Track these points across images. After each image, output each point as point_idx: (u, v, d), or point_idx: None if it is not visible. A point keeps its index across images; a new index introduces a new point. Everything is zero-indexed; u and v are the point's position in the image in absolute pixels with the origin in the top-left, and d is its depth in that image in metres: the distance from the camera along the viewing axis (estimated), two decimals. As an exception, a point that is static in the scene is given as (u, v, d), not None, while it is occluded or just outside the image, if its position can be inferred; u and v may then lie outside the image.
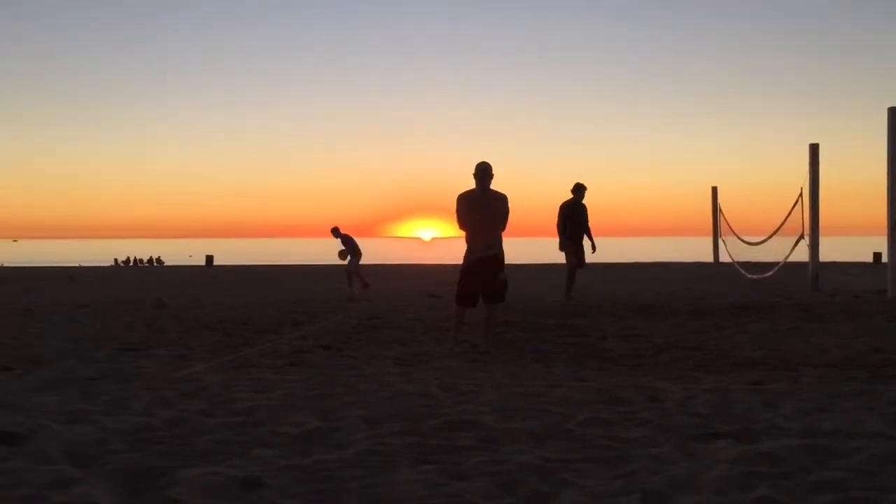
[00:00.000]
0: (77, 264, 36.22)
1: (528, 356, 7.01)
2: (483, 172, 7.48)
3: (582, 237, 12.31)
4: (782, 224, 16.43)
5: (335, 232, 16.77)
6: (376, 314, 10.54)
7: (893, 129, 12.17)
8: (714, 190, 22.39)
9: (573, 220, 12.16)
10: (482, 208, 7.46)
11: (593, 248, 12.47)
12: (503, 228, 7.57)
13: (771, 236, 17.23)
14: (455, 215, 7.67)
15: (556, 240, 12.52)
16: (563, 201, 12.36)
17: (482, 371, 6.05)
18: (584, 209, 12.31)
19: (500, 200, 7.53)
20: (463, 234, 7.72)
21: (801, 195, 15.30)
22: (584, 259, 12.39)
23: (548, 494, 2.92)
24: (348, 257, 16.73)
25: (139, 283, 19.67)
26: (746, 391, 4.97)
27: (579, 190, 12.27)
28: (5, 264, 35.56)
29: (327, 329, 8.97)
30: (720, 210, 21.65)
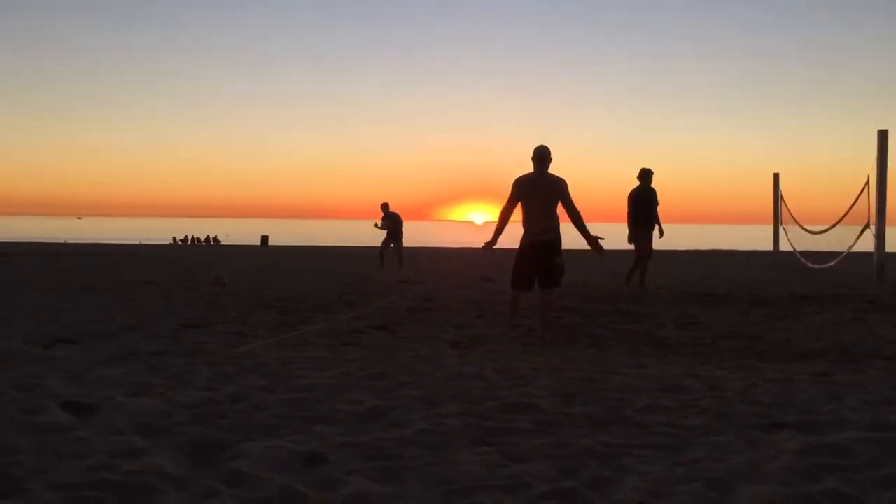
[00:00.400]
0: (137, 242, 37.16)
1: (583, 342, 6.96)
2: (541, 156, 7.38)
3: (653, 224, 11.92)
4: (847, 213, 15.95)
5: (384, 207, 17.51)
6: (429, 297, 10.57)
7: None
8: (776, 177, 21.83)
9: (643, 206, 11.79)
10: (539, 192, 7.37)
11: (661, 233, 12.11)
12: (573, 210, 7.40)
13: (834, 225, 16.75)
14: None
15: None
16: (630, 189, 11.97)
17: (538, 355, 6.03)
18: (653, 193, 11.93)
19: (558, 184, 7.41)
20: (497, 217, 7.61)
21: (867, 183, 14.83)
22: (651, 248, 11.99)
23: (609, 479, 2.90)
24: (385, 234, 17.36)
25: (197, 261, 20.08)
26: (809, 382, 4.85)
27: (646, 175, 11.91)
28: (69, 240, 36.67)
29: (381, 310, 9.03)
30: (782, 198, 21.13)
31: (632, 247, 12.07)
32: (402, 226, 17.61)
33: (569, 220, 7.57)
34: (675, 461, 3.12)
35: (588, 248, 7.73)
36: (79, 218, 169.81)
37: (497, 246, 7.74)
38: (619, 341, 7.02)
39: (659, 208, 12.07)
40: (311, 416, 3.79)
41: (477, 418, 3.79)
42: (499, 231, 7.65)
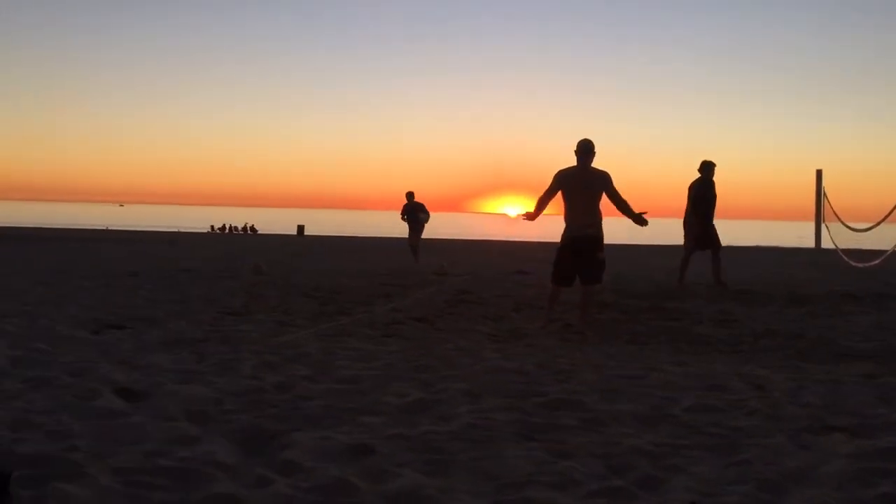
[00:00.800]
0: (176, 229, 37.67)
1: (622, 338, 6.92)
2: (584, 149, 7.28)
3: (712, 217, 11.51)
4: (892, 210, 15.64)
5: (407, 196, 16.90)
6: (466, 289, 10.58)
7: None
8: (818, 173, 21.46)
9: (705, 199, 11.38)
10: (581, 186, 7.29)
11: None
12: (620, 200, 7.31)
13: (879, 223, 16.43)
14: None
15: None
16: (690, 182, 11.58)
17: (577, 351, 6.01)
18: (713, 187, 11.50)
19: (601, 179, 7.31)
20: (533, 207, 7.52)
21: (914, 181, 14.51)
22: (717, 240, 11.54)
23: (659, 479, 2.89)
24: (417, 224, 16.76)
25: (236, 249, 20.31)
26: (859, 383, 4.78)
27: (707, 168, 11.48)
28: (111, 227, 37.29)
29: (419, 302, 9.06)
30: (824, 194, 20.77)
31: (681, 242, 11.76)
32: (422, 215, 16.71)
33: (616, 210, 7.47)
34: (725, 462, 3.09)
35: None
36: (121, 205, 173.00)
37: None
38: (658, 338, 6.96)
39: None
40: (358, 408, 3.82)
41: (521, 413, 3.79)
42: (537, 211, 7.51)
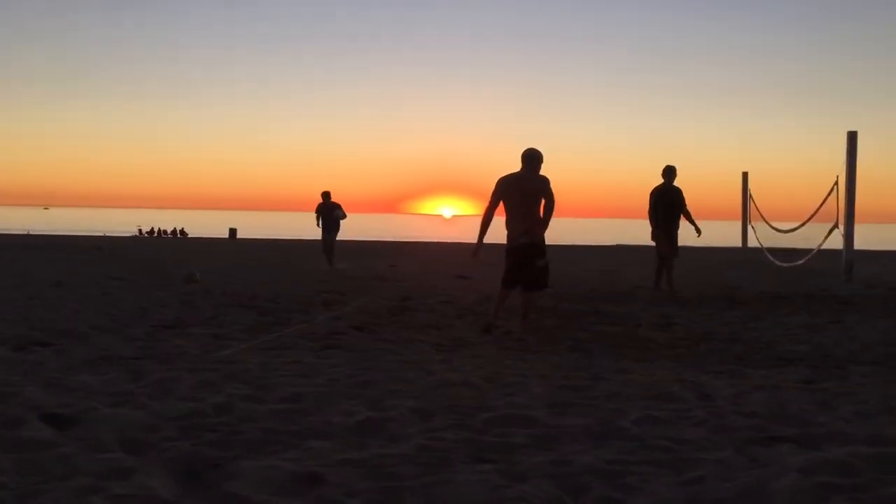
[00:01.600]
0: (103, 233, 36.49)
1: (564, 344, 6.92)
2: (531, 157, 7.29)
3: (675, 223, 11.38)
4: (816, 212, 16.16)
5: (324, 195, 16.57)
6: (406, 295, 10.48)
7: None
8: (745, 175, 22.06)
9: (664, 204, 11.23)
10: (525, 193, 7.27)
11: (697, 231, 11.53)
12: (551, 209, 7.36)
13: (803, 224, 16.96)
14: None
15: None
16: (653, 187, 11.41)
17: (522, 361, 5.97)
18: (675, 192, 11.35)
19: (542, 184, 7.33)
20: (481, 215, 7.50)
21: (836, 183, 15.02)
22: (676, 247, 11.41)
23: (616, 501, 2.85)
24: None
25: (165, 254, 19.74)
26: (798, 390, 4.86)
27: (669, 172, 11.35)
28: (33, 232, 35.90)
29: (360, 310, 8.92)
30: (750, 196, 21.36)
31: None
32: (338, 211, 16.37)
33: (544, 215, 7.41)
34: (679, 480, 3.07)
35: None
36: (46, 208, 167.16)
37: (469, 241, 7.72)
38: (599, 344, 7.00)
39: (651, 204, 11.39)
40: (303, 430, 3.68)
41: (472, 432, 3.71)
42: (483, 234, 7.52)
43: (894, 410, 4.24)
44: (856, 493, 2.89)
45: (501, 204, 7.45)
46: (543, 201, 7.38)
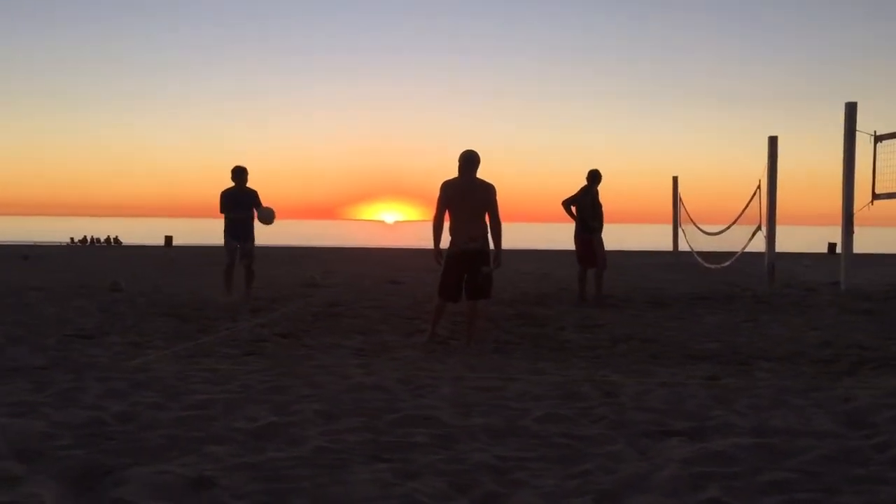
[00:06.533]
0: (31, 242, 35.44)
1: (488, 346, 7.01)
2: (467, 161, 7.04)
3: (590, 230, 10.93)
4: (740, 214, 16.65)
5: (237, 175, 10.56)
6: (336, 301, 10.46)
7: (850, 124, 12.42)
8: (675, 179, 22.61)
9: (583, 210, 10.85)
10: (466, 198, 7.01)
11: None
12: (495, 220, 7.04)
13: (729, 226, 17.46)
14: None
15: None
16: (573, 191, 11.01)
17: (439, 363, 6.04)
18: (586, 197, 10.85)
19: (486, 190, 7.03)
20: (432, 223, 7.16)
21: (759, 186, 15.51)
22: (591, 257, 10.85)
23: (500, 495, 2.93)
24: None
25: (95, 263, 19.29)
26: (701, 386, 5.03)
27: (594, 177, 10.91)
28: (-44, 242, 34.64)
29: (287, 316, 8.88)
30: (680, 199, 21.89)
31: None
32: (263, 214, 10.40)
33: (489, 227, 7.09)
34: (567, 473, 3.17)
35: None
36: None
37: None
38: (522, 346, 7.10)
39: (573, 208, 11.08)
40: (205, 436, 3.68)
41: (374, 433, 3.76)
42: (437, 240, 7.18)
43: (784, 403, 4.43)
44: (729, 480, 3.03)
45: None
46: (488, 214, 7.05)
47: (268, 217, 10.40)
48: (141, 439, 3.63)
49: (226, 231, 10.50)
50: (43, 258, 21.43)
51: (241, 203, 10.36)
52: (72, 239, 39.27)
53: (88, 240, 38.32)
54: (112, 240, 38.36)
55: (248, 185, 10.49)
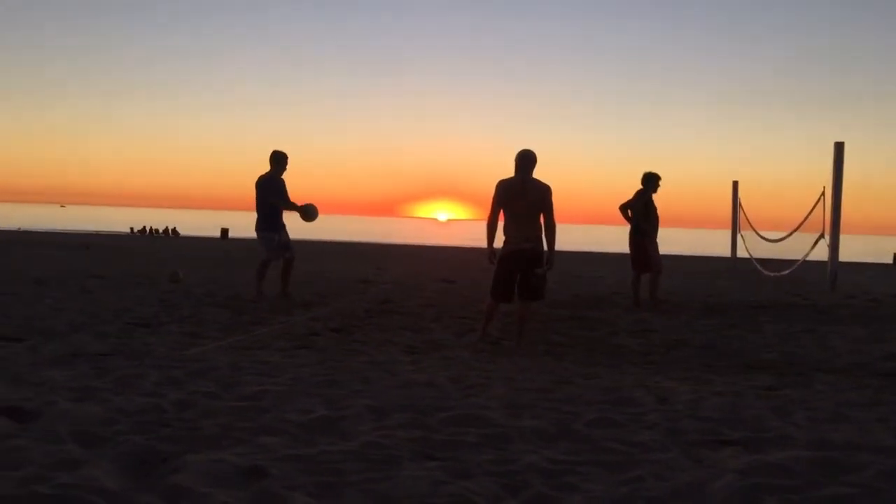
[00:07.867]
0: (93, 231, 36.46)
1: (539, 349, 6.97)
2: (524, 160, 6.93)
3: (645, 234, 10.64)
4: (802, 222, 16.24)
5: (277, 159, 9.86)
6: (388, 298, 10.53)
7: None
8: (735, 184, 22.17)
9: (635, 213, 10.63)
10: (520, 198, 6.89)
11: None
12: (550, 221, 6.91)
13: (790, 234, 17.04)
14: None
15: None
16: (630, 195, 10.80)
17: (491, 363, 6.03)
18: (640, 201, 10.61)
19: (542, 191, 6.90)
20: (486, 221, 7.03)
21: (823, 193, 15.10)
22: (644, 261, 10.64)
23: (552, 498, 2.90)
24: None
25: (154, 253, 19.75)
26: (757, 396, 4.92)
27: (649, 180, 10.63)
28: (23, 228, 35.86)
29: (339, 312, 8.97)
30: (740, 205, 21.44)
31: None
32: (307, 210, 9.83)
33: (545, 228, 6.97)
34: (618, 479, 3.13)
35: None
36: (62, 206, 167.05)
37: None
38: (575, 349, 7.04)
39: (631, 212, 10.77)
40: (258, 427, 3.73)
41: (425, 430, 3.76)
42: (491, 239, 7.13)
43: (843, 417, 4.30)
44: (787, 494, 2.95)
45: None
46: (543, 215, 6.93)
47: (311, 214, 9.81)
48: (197, 427, 3.69)
49: (268, 222, 9.74)
50: (104, 248, 22.03)
51: (280, 192, 9.65)
52: (132, 229, 40.31)
53: (147, 230, 39.28)
54: (170, 231, 39.23)
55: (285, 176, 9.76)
